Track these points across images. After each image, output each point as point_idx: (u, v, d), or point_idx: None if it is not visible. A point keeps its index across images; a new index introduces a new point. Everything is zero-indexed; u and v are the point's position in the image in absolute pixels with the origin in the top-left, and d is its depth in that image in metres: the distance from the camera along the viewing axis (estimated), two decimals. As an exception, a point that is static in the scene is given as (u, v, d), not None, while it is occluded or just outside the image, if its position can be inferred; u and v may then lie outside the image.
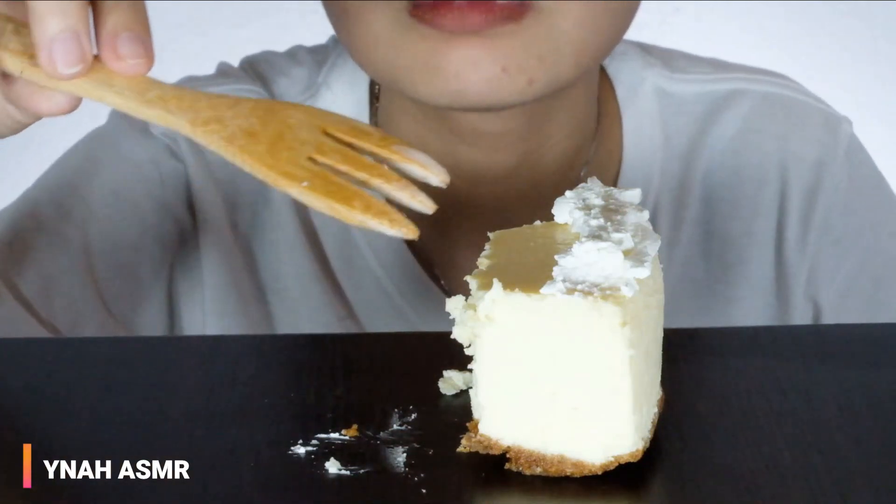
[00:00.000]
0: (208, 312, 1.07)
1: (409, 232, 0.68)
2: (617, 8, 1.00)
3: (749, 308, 1.10)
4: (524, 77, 0.97)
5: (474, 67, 0.96)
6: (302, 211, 1.10)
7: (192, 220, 1.07)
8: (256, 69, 1.13)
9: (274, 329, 1.09)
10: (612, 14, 1.00)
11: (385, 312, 1.09)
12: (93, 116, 1.09)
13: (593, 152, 1.11)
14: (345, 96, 1.11)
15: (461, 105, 0.98)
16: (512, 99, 0.98)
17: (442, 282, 1.09)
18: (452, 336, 0.69)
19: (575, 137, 1.09)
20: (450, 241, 1.09)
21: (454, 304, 0.69)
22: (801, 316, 1.10)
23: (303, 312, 1.09)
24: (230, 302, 1.07)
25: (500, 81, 0.96)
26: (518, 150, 1.06)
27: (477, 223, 1.07)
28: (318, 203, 0.69)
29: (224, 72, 1.13)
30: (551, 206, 1.09)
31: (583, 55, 0.99)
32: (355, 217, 0.68)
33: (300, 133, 0.71)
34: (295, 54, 1.15)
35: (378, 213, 0.68)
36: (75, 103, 0.72)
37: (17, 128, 0.75)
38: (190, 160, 1.08)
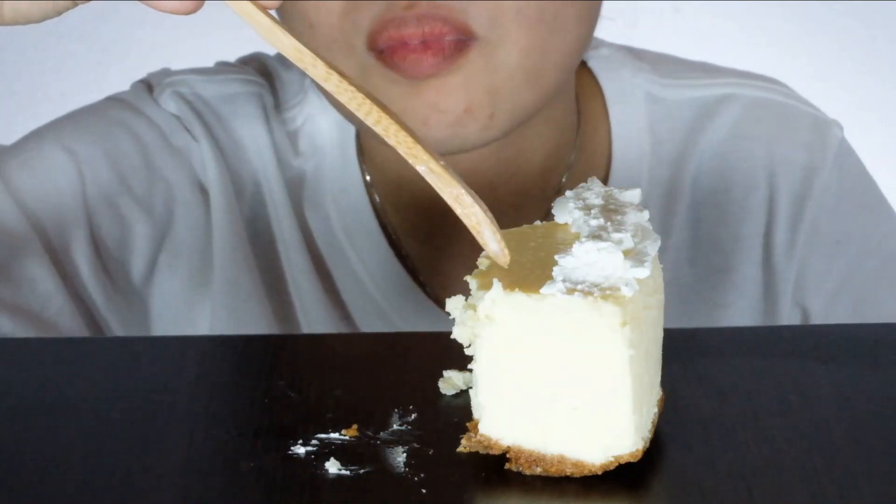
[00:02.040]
0: (218, 293, 1.06)
1: (506, 258, 0.69)
2: (567, 25, 1.00)
3: (737, 313, 1.10)
4: (486, 113, 0.98)
5: (440, 112, 0.98)
6: (299, 211, 1.10)
7: (201, 196, 1.07)
8: (262, 62, 1.14)
9: (285, 318, 1.08)
10: (561, 34, 1.00)
11: (371, 317, 1.09)
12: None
13: (575, 157, 1.10)
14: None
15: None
16: (476, 139, 1.00)
17: (427, 288, 1.09)
18: (452, 336, 0.69)
19: (555, 142, 1.09)
20: (435, 249, 1.09)
21: (454, 304, 0.69)
22: (788, 321, 1.09)
23: (298, 309, 1.09)
24: (242, 288, 1.07)
25: (463, 124, 0.98)
26: (499, 158, 1.06)
27: (461, 231, 1.07)
28: (447, 187, 0.69)
29: (228, 63, 1.14)
30: (535, 211, 1.09)
31: (540, 80, 1.00)
32: (477, 215, 0.69)
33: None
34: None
35: (493, 224, 0.69)
36: (197, 5, 0.71)
37: (52, 11, 0.75)
38: (203, 140, 1.08)
